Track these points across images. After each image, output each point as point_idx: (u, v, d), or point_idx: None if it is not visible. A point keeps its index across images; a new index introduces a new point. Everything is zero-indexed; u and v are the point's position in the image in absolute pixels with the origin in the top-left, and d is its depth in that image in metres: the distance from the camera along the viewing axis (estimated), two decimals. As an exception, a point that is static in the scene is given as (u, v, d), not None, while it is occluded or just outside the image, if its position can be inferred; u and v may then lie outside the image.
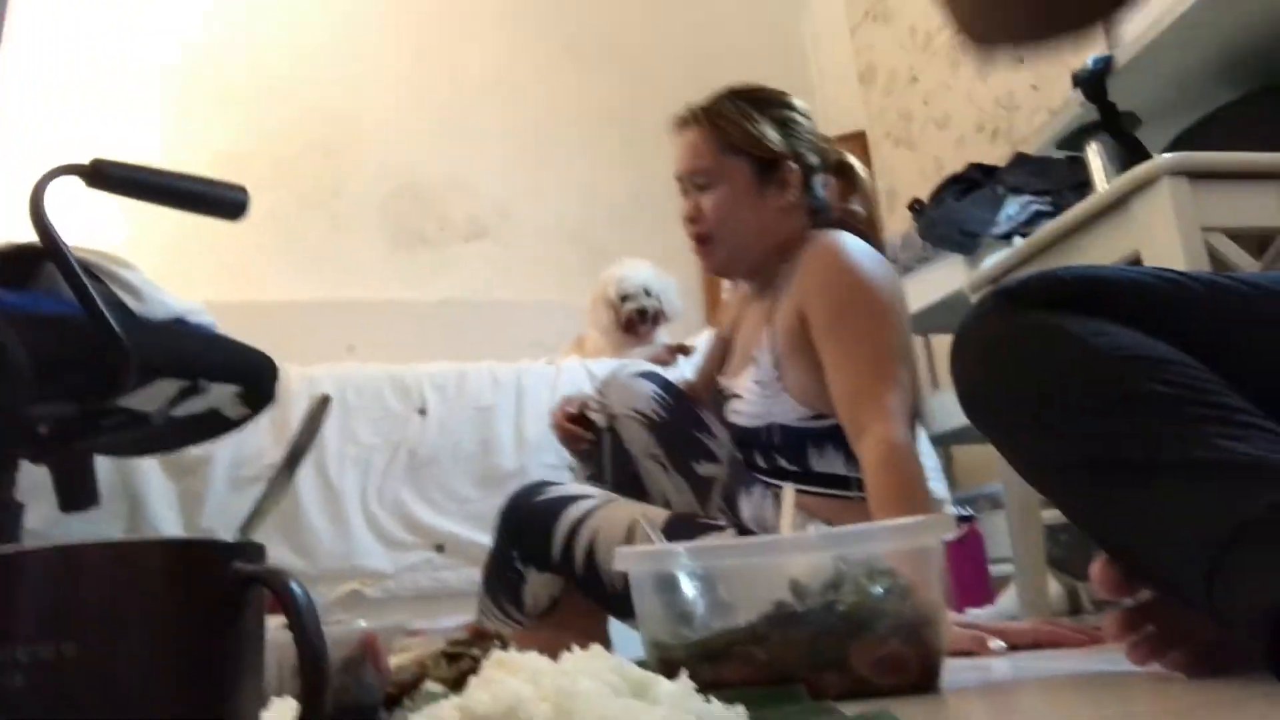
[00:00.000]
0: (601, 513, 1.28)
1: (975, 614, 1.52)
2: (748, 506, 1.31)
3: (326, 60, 3.31)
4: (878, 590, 0.68)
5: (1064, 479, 0.65)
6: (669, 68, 3.42)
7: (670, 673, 0.56)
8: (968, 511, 1.78)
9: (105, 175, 1.33)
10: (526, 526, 1.32)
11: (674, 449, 1.37)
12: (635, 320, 2.51)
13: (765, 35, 3.65)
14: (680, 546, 0.78)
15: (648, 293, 2.51)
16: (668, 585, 0.75)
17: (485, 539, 1.99)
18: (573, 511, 1.29)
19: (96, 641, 0.35)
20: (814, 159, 1.39)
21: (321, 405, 0.41)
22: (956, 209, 2.03)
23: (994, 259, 1.63)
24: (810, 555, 0.73)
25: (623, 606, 1.17)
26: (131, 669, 0.36)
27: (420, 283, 3.20)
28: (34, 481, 1.48)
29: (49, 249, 1.28)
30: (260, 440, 2.05)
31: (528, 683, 0.50)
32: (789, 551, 0.75)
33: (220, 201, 1.50)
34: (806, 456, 1.29)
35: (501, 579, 1.37)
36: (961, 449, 2.61)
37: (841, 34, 3.59)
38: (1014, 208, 1.99)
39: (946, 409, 2.34)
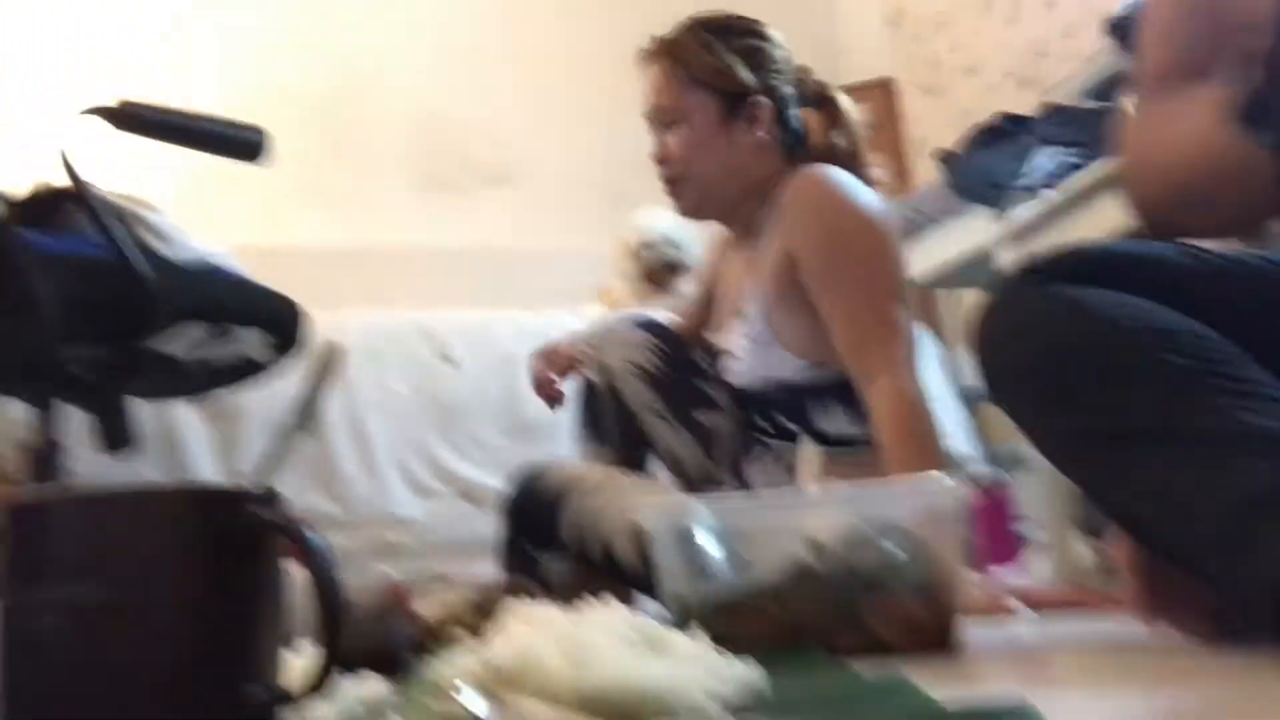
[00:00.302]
0: (607, 496, 1.23)
1: (1001, 573, 1.52)
2: (757, 473, 1.27)
3: (348, 2, 3.27)
4: (895, 550, 0.69)
5: (1079, 449, 0.66)
6: (694, 10, 3.35)
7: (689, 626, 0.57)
8: (996, 471, 1.78)
9: (131, 116, 1.33)
10: (534, 518, 1.29)
11: (675, 400, 1.32)
12: (657, 270, 2.49)
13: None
14: (698, 501, 0.79)
15: (670, 242, 2.50)
16: (687, 540, 0.76)
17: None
18: (578, 499, 1.24)
19: (121, 583, 0.36)
20: (788, 90, 1.31)
21: (329, 353, 0.41)
22: (984, 160, 1.98)
23: (1022, 212, 1.60)
24: (829, 513, 0.73)
25: (646, 587, 1.16)
26: (154, 610, 0.37)
27: (445, 228, 3.19)
28: (77, 426, 1.52)
29: (76, 191, 1.29)
30: (290, 388, 2.07)
31: (544, 635, 0.51)
32: (807, 509, 0.75)
33: (240, 143, 1.49)
34: (809, 415, 1.24)
35: (521, 566, 1.32)
36: (988, 405, 2.59)
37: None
38: (1044, 159, 1.94)
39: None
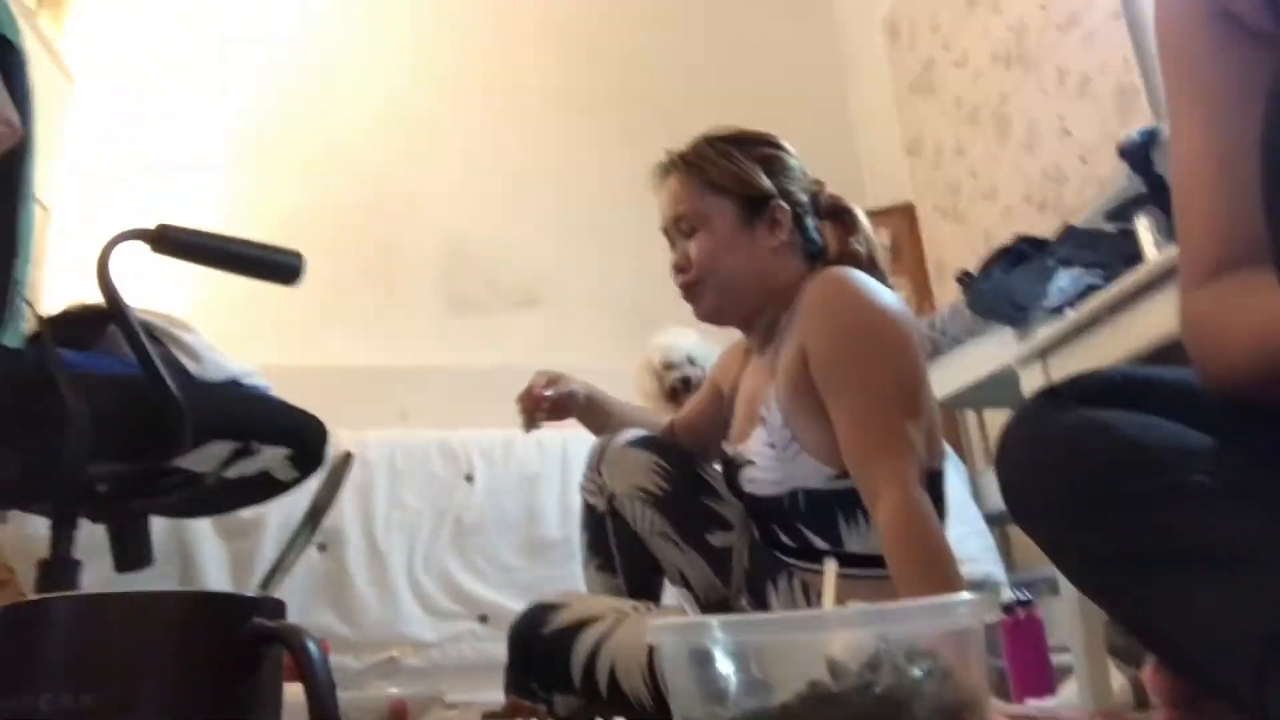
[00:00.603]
0: (616, 636, 1.18)
1: (1036, 705, 1.45)
2: (779, 599, 1.21)
3: (383, 130, 3.42)
4: (916, 672, 0.66)
5: (1106, 571, 0.64)
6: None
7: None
8: (1026, 596, 1.72)
9: (168, 240, 1.38)
10: (541, 659, 1.24)
11: (683, 523, 1.27)
12: (679, 389, 2.51)
13: (811, 107, 3.70)
14: (714, 619, 0.76)
15: (691, 361, 2.52)
16: (700, 660, 0.73)
17: (527, 608, 1.98)
18: (586, 639, 1.19)
19: (115, 691, 0.36)
20: (804, 198, 1.32)
21: (343, 462, 0.41)
22: (1006, 281, 2.01)
23: (1044, 332, 1.60)
24: (848, 632, 0.71)
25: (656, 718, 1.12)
26: (145, 717, 0.36)
27: (471, 349, 3.25)
28: (92, 541, 1.52)
29: (113, 310, 1.33)
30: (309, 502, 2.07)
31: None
32: (825, 627, 0.73)
33: (276, 266, 1.55)
34: (838, 529, 1.19)
35: (529, 697, 1.28)
36: (1019, 530, 2.53)
37: (887, 107, 3.62)
38: (1065, 280, 1.96)
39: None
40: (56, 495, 1.44)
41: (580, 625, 1.20)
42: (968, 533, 2.21)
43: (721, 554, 1.27)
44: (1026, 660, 1.57)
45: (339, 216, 3.28)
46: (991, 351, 2.08)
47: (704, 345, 2.60)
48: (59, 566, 1.39)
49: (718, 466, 1.37)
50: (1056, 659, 1.63)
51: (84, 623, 0.37)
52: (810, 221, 1.32)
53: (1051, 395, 0.70)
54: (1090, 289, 1.90)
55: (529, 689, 1.26)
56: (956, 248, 3.16)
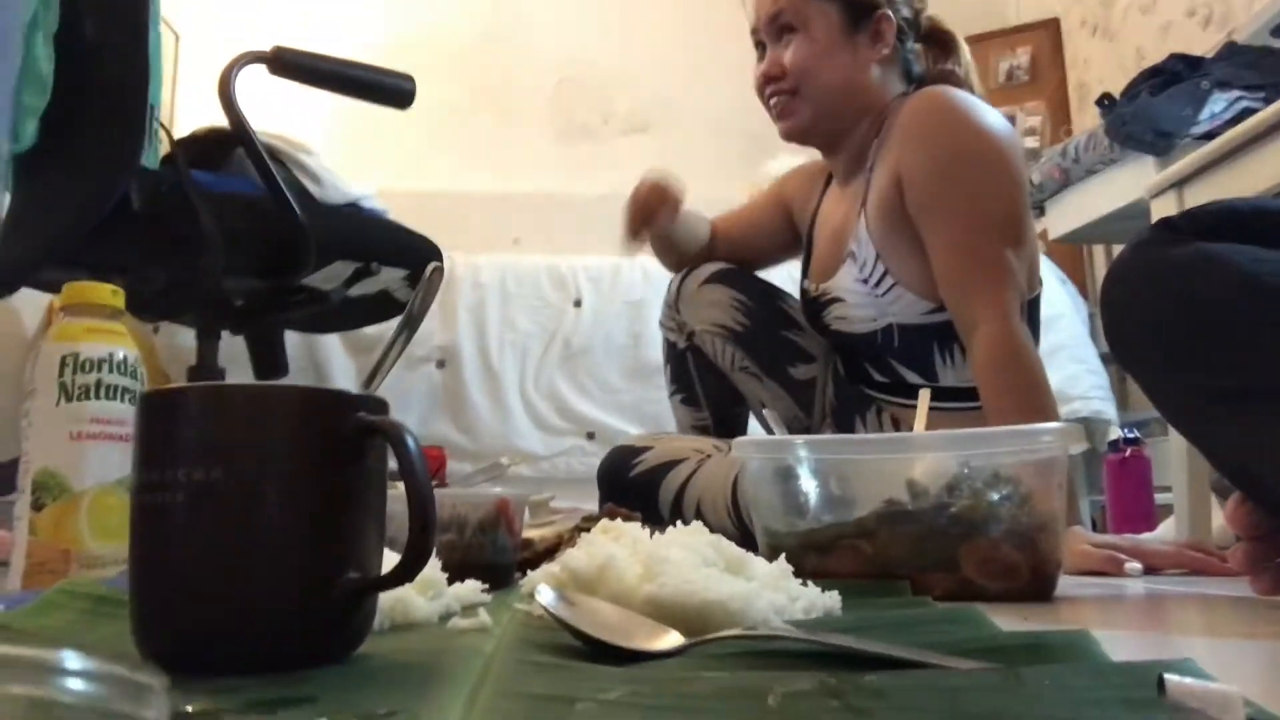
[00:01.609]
0: (700, 475, 1.20)
1: (1135, 539, 1.45)
2: (861, 427, 1.22)
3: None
4: (994, 496, 0.67)
5: (1209, 408, 0.63)
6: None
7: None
8: (1134, 434, 1.69)
9: (285, 62, 1.41)
10: (629, 499, 1.24)
11: (764, 356, 1.26)
12: (789, 220, 2.47)
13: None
14: (798, 438, 0.79)
15: (803, 191, 2.46)
16: (783, 475, 0.76)
17: (633, 428, 2.07)
18: (673, 480, 1.22)
19: (240, 468, 0.41)
20: (907, 14, 1.22)
21: (434, 274, 0.44)
22: (1152, 105, 1.85)
23: (1185, 161, 1.49)
24: (930, 455, 0.72)
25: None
26: (269, 494, 0.41)
27: (583, 176, 3.24)
28: (233, 352, 1.65)
29: (237, 133, 1.39)
30: (430, 323, 2.18)
31: (625, 547, 0.53)
32: (907, 449, 0.75)
33: (389, 89, 1.57)
34: (932, 363, 1.16)
35: None
36: (1138, 368, 2.44)
37: (1040, -91, 3.27)
38: (1220, 104, 1.80)
39: (1123, 324, 2.20)
40: (198, 308, 1.56)
41: (666, 466, 1.23)
42: (1082, 370, 2.15)
43: (804, 385, 1.27)
44: (1129, 497, 1.56)
45: (453, 44, 3.26)
46: (1127, 182, 1.94)
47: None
48: (205, 374, 1.52)
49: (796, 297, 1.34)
50: (1161, 499, 1.61)
51: (212, 408, 0.42)
52: (910, 41, 1.23)
53: (1167, 227, 0.66)
54: (1247, 114, 1.73)
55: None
56: (1104, 67, 2.91)
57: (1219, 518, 1.37)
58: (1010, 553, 0.66)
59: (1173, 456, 1.44)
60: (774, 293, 1.33)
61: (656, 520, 1.26)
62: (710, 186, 3.16)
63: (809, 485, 0.75)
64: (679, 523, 1.20)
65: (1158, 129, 1.87)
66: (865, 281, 1.18)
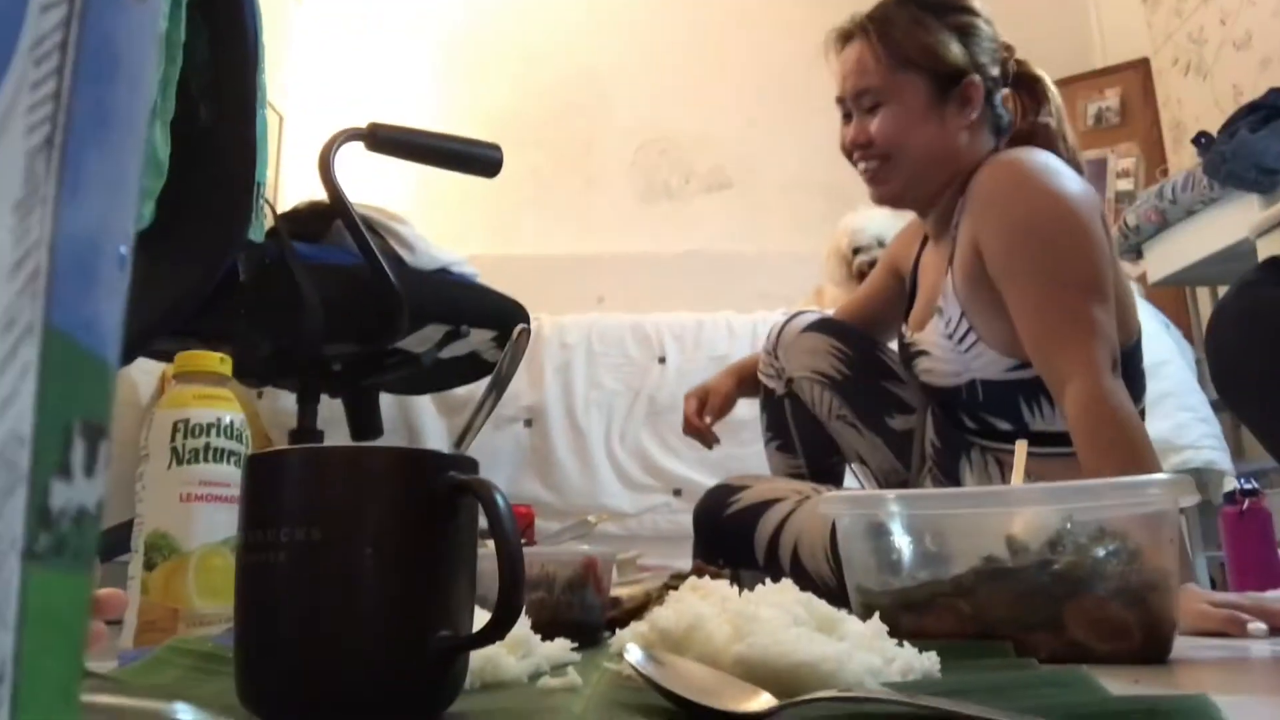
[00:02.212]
0: (798, 516, 1.19)
1: (1258, 597, 1.36)
2: (973, 474, 1.19)
3: (580, 25, 3.45)
4: (1099, 552, 0.64)
5: None
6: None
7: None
8: (1252, 485, 1.59)
9: (380, 138, 1.48)
10: (726, 539, 1.27)
11: (862, 406, 1.26)
12: (867, 272, 2.44)
13: (1034, -42, 3.36)
14: (890, 493, 0.77)
15: (881, 244, 2.43)
16: (875, 532, 0.75)
17: (720, 484, 2.05)
18: (770, 519, 1.21)
19: (339, 528, 0.42)
20: (994, 70, 1.20)
21: (520, 336, 0.45)
22: (1253, 141, 1.78)
23: (1293, 198, 1.42)
24: (1031, 510, 0.70)
25: (835, 594, 1.15)
26: (365, 552, 0.42)
27: (665, 235, 3.29)
28: (331, 415, 1.71)
29: (336, 206, 1.46)
30: (517, 383, 2.22)
31: (714, 606, 0.53)
32: (1004, 503, 0.72)
33: (478, 160, 1.63)
34: (1020, 414, 1.14)
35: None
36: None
37: (1124, -50, 3.23)
38: (1326, 139, 1.73)
39: (1234, 369, 2.09)
40: (299, 373, 1.62)
41: (763, 505, 1.23)
42: (1191, 419, 2.05)
43: (902, 437, 1.27)
44: (1249, 552, 1.47)
45: (539, 113, 3.37)
46: (1230, 221, 1.87)
47: (894, 225, 2.49)
48: (305, 435, 1.58)
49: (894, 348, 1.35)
50: (1286, 554, 1.51)
51: (312, 471, 0.44)
52: (999, 95, 1.22)
53: (1274, 266, 0.64)
54: (1356, 148, 1.66)
55: (714, 561, 1.32)
56: (1199, 106, 2.82)
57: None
58: (1120, 612, 0.63)
59: (1296, 508, 1.35)
60: (874, 343, 1.33)
61: (750, 561, 1.26)
62: (790, 242, 3.18)
63: (902, 541, 0.73)
64: (775, 564, 1.20)
65: (1261, 165, 1.80)
66: (950, 337, 1.18)
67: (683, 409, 1.45)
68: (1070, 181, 1.09)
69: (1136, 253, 2.33)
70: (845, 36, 1.25)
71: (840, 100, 1.27)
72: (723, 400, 1.44)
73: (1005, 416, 1.17)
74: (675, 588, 0.81)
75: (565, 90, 3.41)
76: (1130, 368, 1.09)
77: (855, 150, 1.24)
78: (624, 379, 2.24)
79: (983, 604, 0.66)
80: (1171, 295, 2.60)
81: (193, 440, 0.79)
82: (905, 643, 0.54)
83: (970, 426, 1.21)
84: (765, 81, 3.38)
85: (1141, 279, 2.47)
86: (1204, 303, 2.57)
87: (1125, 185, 3.04)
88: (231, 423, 0.80)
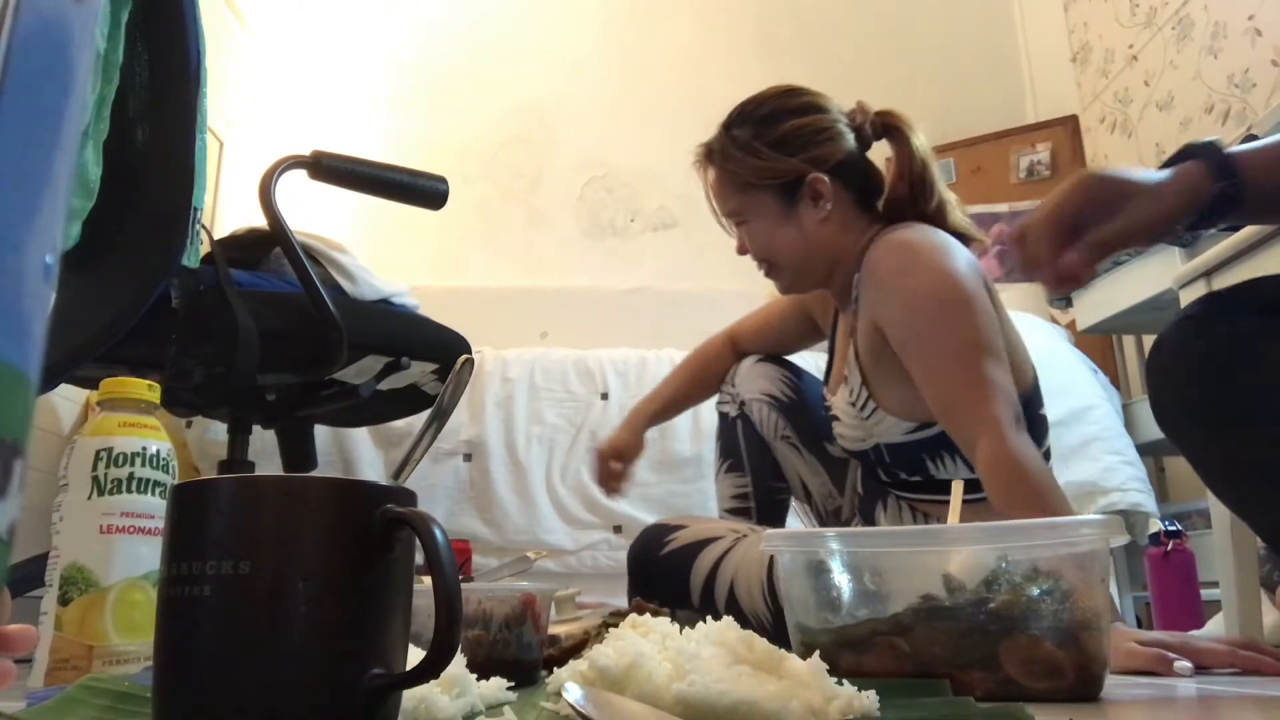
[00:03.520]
0: (735, 554, 1.22)
1: (1184, 637, 1.39)
2: (887, 518, 1.26)
3: (529, 59, 3.47)
4: (1034, 591, 0.65)
5: (1260, 485, 0.61)
6: (862, 55, 3.34)
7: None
8: (1176, 527, 1.64)
9: (324, 166, 1.46)
10: (661, 578, 1.29)
11: (804, 428, 1.37)
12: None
13: (969, 13, 3.49)
14: (830, 531, 0.78)
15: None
16: (815, 570, 0.75)
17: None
18: (705, 558, 1.24)
19: (268, 560, 0.41)
20: (845, 149, 1.27)
21: (463, 367, 0.45)
22: (1175, 197, 1.86)
23: (1211, 252, 1.49)
24: (967, 549, 0.71)
25: (773, 633, 1.16)
26: (296, 586, 0.41)
27: (610, 271, 3.30)
28: (263, 446, 1.67)
29: (276, 233, 1.43)
30: (457, 417, 2.19)
31: (654, 643, 0.52)
32: (941, 543, 0.73)
33: (424, 191, 1.62)
34: (926, 468, 1.22)
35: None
36: (1174, 460, 2.40)
37: (1054, 11, 3.37)
38: (1244, 196, 1.81)
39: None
40: (232, 402, 1.58)
41: (699, 544, 1.25)
42: (1118, 462, 2.11)
43: (838, 463, 1.36)
44: (1174, 593, 1.51)
45: (486, 146, 3.38)
46: (1154, 273, 1.95)
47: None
48: (235, 466, 1.53)
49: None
50: (1207, 595, 1.55)
51: (242, 499, 0.42)
52: (858, 161, 1.28)
53: (1214, 302, 0.66)
54: (1271, 204, 1.74)
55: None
56: (1124, 162, 2.94)
57: (1271, 614, 1.32)
58: (1053, 651, 0.64)
59: (1217, 551, 1.39)
60: (819, 380, 1.45)
61: (685, 602, 1.26)
62: (733, 281, 3.20)
63: (842, 579, 0.73)
64: (710, 603, 1.21)
65: (1182, 220, 1.88)
66: (854, 405, 1.26)
67: (596, 468, 1.53)
68: (952, 255, 1.15)
69: (1066, 300, 2.40)
70: (702, 165, 1.36)
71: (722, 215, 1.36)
72: (634, 457, 1.53)
73: (911, 472, 1.24)
74: (615, 625, 0.80)
75: (513, 124, 3.42)
76: (1029, 411, 1.14)
77: (744, 255, 1.35)
78: (566, 414, 2.23)
79: (921, 642, 0.66)
80: (1099, 343, 2.69)
81: (116, 470, 0.76)
82: (845, 681, 0.54)
83: (884, 479, 1.28)
84: (711, 123, 3.43)
85: (1071, 326, 2.55)
86: (1130, 350, 2.66)
87: (1055, 235, 3.14)
88: (158, 452, 0.78)
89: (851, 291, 1.27)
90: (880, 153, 1.33)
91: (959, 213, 1.27)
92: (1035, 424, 1.18)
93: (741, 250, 1.35)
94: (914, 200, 1.25)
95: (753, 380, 1.42)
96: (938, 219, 1.25)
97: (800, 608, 0.75)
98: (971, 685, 0.64)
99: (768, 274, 1.34)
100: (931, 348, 1.12)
